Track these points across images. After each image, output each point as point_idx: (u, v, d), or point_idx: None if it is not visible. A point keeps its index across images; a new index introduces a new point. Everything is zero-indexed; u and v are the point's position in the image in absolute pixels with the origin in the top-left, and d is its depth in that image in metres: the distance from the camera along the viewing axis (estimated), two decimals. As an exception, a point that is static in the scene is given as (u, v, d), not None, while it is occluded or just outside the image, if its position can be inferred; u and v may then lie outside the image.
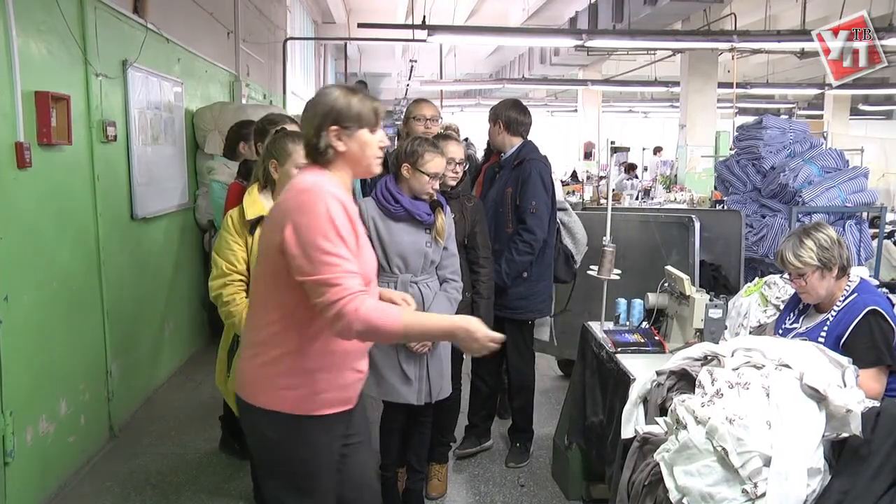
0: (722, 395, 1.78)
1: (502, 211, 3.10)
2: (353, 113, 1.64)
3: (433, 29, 6.47)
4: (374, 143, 1.68)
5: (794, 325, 2.32)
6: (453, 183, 2.84)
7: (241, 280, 2.30)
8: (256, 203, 2.31)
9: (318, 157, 1.65)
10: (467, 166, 3.15)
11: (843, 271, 2.21)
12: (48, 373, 2.87)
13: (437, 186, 2.54)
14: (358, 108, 1.64)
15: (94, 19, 3.24)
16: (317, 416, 1.64)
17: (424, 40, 6.86)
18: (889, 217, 6.05)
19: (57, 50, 2.94)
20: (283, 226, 1.54)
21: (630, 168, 11.12)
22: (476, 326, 1.60)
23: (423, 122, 3.20)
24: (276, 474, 1.68)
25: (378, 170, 1.72)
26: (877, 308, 2.11)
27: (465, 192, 2.97)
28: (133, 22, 3.70)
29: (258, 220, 2.27)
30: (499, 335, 1.61)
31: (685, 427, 1.78)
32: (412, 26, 7.14)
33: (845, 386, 1.86)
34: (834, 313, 2.20)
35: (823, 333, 2.18)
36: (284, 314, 1.61)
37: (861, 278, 2.26)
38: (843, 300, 2.20)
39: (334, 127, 1.63)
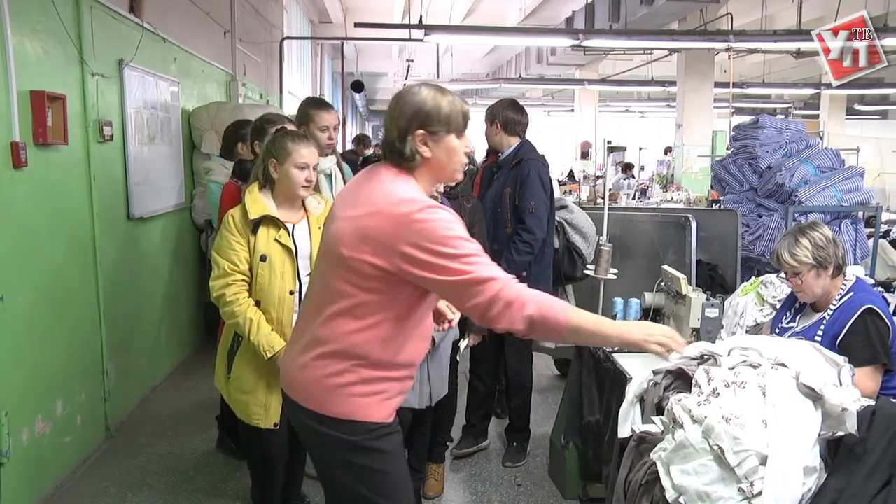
0: (718, 394, 1.79)
1: (501, 211, 3.10)
2: (443, 116, 1.53)
3: (430, 28, 6.47)
4: (460, 150, 1.58)
5: (791, 325, 2.33)
6: (452, 183, 2.84)
7: (243, 280, 2.28)
8: (258, 202, 2.30)
9: (403, 162, 1.54)
10: (467, 166, 3.15)
11: (839, 270, 2.22)
12: (44, 373, 2.86)
13: (441, 189, 2.56)
14: (448, 111, 1.54)
15: (90, 19, 3.23)
16: (388, 424, 1.59)
17: (421, 40, 6.85)
18: (885, 216, 6.08)
19: (53, 49, 2.93)
20: (396, 248, 1.45)
21: (626, 167, 11.13)
22: (657, 331, 1.57)
23: None
24: (355, 493, 1.58)
25: (460, 177, 1.65)
26: (873, 307, 2.12)
27: (464, 193, 2.97)
28: (129, 21, 3.69)
29: (260, 220, 2.27)
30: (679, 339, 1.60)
31: (681, 426, 1.79)
32: (409, 26, 7.13)
33: (841, 385, 1.86)
34: (830, 312, 2.21)
35: (820, 332, 2.18)
36: (368, 324, 1.52)
37: (857, 277, 2.27)
38: (840, 299, 2.21)
39: (421, 131, 1.53)
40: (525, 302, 1.45)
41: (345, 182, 2.92)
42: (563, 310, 1.50)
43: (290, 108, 7.90)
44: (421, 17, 6.83)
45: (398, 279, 1.50)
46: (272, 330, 2.26)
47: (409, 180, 1.55)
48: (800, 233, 2.22)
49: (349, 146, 11.41)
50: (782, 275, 2.94)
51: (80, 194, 3.22)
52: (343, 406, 1.54)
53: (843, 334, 2.12)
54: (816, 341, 2.15)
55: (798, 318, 2.34)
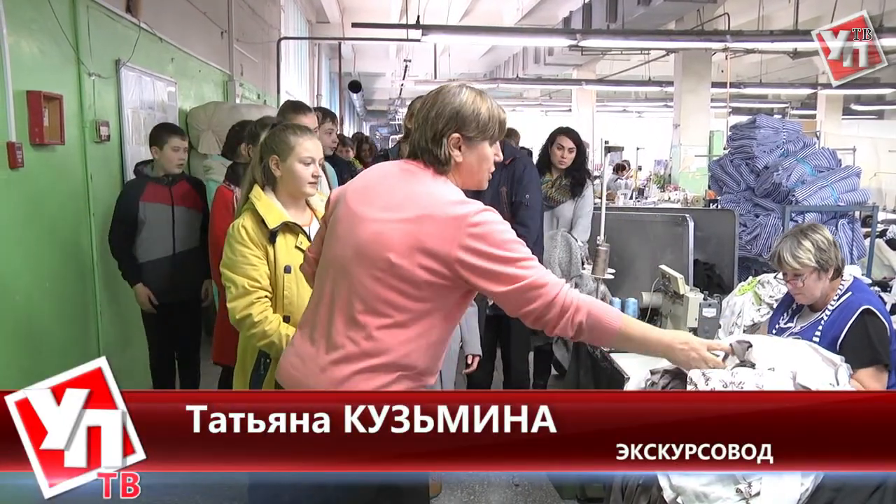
0: (716, 393, 1.79)
1: (499, 211, 3.09)
2: (481, 122, 1.49)
3: (427, 29, 6.48)
4: (491, 158, 1.55)
5: (789, 325, 2.33)
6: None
7: (266, 297, 2.03)
8: (273, 209, 2.07)
9: (434, 163, 1.50)
10: None
11: (838, 273, 2.22)
12: (40, 374, 2.83)
13: None
14: (486, 117, 1.50)
15: (87, 18, 3.22)
16: None
17: (419, 40, 6.87)
18: (881, 216, 6.09)
19: (49, 49, 2.93)
20: (450, 251, 1.42)
21: (619, 168, 11.14)
22: (696, 343, 1.58)
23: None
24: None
25: (486, 186, 1.62)
26: (870, 307, 2.13)
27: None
28: (126, 21, 3.68)
29: (277, 229, 2.05)
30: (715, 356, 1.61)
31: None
32: (406, 26, 7.14)
33: (838, 384, 1.87)
34: (828, 313, 2.21)
35: (818, 333, 2.18)
36: (419, 332, 1.49)
37: (854, 277, 2.27)
38: (837, 299, 2.21)
39: (456, 135, 1.48)
40: (578, 307, 1.46)
41: (330, 186, 2.87)
42: (615, 318, 1.50)
43: (288, 108, 7.90)
44: (418, 17, 6.84)
45: (452, 286, 1.47)
46: None
47: (448, 182, 1.51)
48: (802, 235, 2.22)
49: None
50: (780, 276, 2.95)
51: (77, 195, 3.21)
52: None
53: (843, 336, 2.12)
54: (815, 342, 2.15)
55: (796, 318, 2.34)
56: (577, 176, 3.38)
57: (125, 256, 3.17)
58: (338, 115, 10.08)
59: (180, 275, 3.23)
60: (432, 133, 1.49)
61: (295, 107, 2.84)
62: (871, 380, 2.07)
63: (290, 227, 2.08)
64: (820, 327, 2.20)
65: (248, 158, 3.15)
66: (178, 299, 3.25)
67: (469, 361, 2.71)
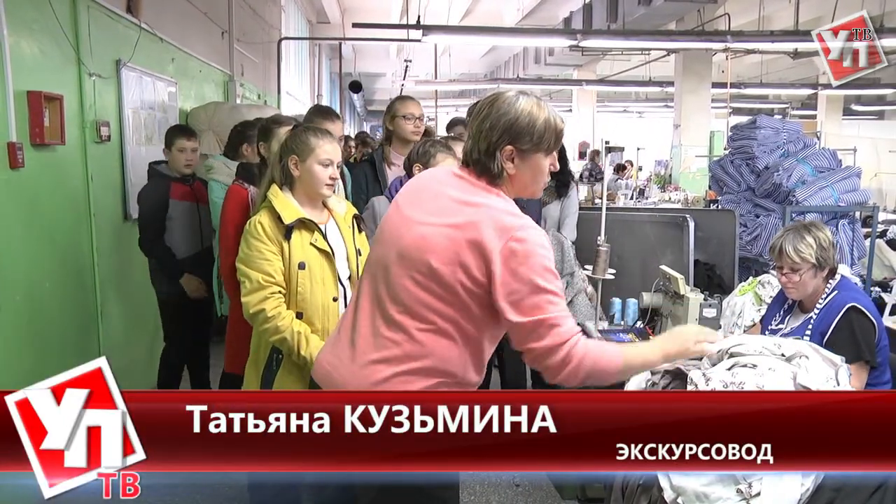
0: (716, 394, 1.79)
1: None
2: (536, 134, 1.44)
3: (428, 29, 6.49)
4: (546, 169, 1.50)
5: (780, 326, 2.34)
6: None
7: (280, 292, 2.07)
8: (289, 206, 2.11)
9: (489, 175, 1.47)
10: None
11: (832, 274, 2.25)
12: (40, 374, 2.84)
13: None
14: (542, 129, 1.45)
15: (87, 18, 3.22)
16: None
17: (419, 40, 6.87)
18: (881, 216, 6.09)
19: (49, 49, 2.93)
20: (489, 257, 1.40)
21: (619, 168, 11.15)
22: (686, 335, 1.58)
23: (412, 120, 3.17)
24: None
25: (540, 193, 1.59)
26: (857, 305, 2.15)
27: None
28: (127, 21, 3.69)
29: (293, 225, 2.08)
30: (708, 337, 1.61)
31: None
32: (407, 26, 7.14)
33: (839, 384, 1.87)
34: (816, 312, 2.23)
35: (808, 332, 2.20)
36: (466, 341, 1.47)
37: (842, 276, 2.29)
38: (825, 298, 2.23)
39: (510, 147, 1.45)
40: (581, 366, 1.42)
41: (345, 187, 2.89)
42: (613, 359, 1.46)
43: (288, 108, 7.90)
44: (419, 17, 6.84)
45: (487, 297, 1.44)
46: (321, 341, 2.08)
47: (500, 194, 1.48)
48: (805, 230, 2.23)
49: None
50: (773, 270, 2.95)
51: (78, 195, 3.21)
52: None
53: (829, 333, 2.14)
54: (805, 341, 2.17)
55: (787, 319, 2.35)
56: (562, 177, 3.39)
57: (165, 253, 3.22)
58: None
59: (204, 271, 3.29)
60: (487, 146, 1.45)
61: (322, 112, 2.81)
62: (852, 377, 2.08)
63: (306, 224, 2.11)
64: (809, 327, 2.22)
65: (249, 158, 3.17)
66: (202, 294, 3.31)
67: None
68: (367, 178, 2.84)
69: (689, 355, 1.61)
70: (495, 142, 1.44)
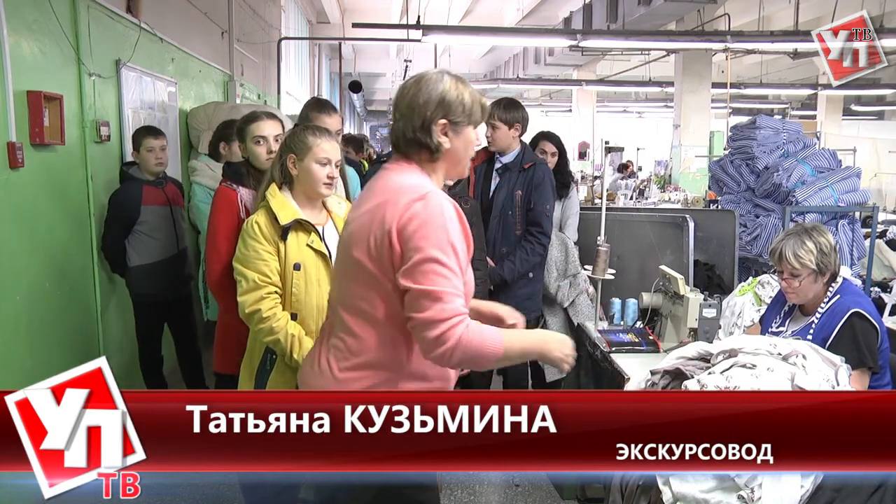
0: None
1: (511, 213, 3.10)
2: (466, 106, 1.47)
3: (428, 29, 6.48)
4: (474, 142, 1.54)
5: (780, 329, 2.32)
6: (450, 183, 2.82)
7: (276, 292, 2.07)
8: (287, 206, 2.09)
9: (423, 152, 1.48)
10: None
11: (833, 278, 2.22)
12: (40, 374, 2.83)
13: (447, 184, 2.52)
14: (470, 102, 1.48)
15: (87, 18, 3.22)
16: None
17: (419, 40, 6.87)
18: (881, 217, 6.09)
19: (49, 49, 2.93)
20: (386, 227, 1.41)
21: (623, 167, 11.16)
22: (560, 339, 1.51)
23: None
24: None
25: (467, 173, 1.60)
26: (860, 310, 2.13)
27: (461, 194, 2.96)
28: (126, 21, 3.68)
29: (289, 226, 2.07)
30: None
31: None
32: (407, 26, 7.14)
33: (838, 385, 1.87)
34: (818, 316, 2.21)
35: (809, 337, 2.18)
36: (389, 329, 1.46)
37: (843, 278, 2.27)
38: (827, 302, 2.21)
39: (443, 121, 1.46)
40: (456, 348, 1.37)
41: (346, 188, 2.87)
42: (494, 348, 1.41)
43: (288, 108, 7.90)
44: (419, 17, 6.84)
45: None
46: None
47: (422, 173, 1.49)
48: (806, 235, 2.20)
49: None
50: (774, 274, 2.94)
51: (78, 195, 3.21)
52: None
53: (832, 339, 2.12)
54: None
55: (787, 321, 2.33)
56: (562, 178, 3.40)
57: (119, 257, 3.27)
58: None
59: (181, 272, 3.41)
60: (420, 121, 1.46)
61: (319, 105, 2.76)
62: (854, 382, 2.07)
63: (303, 225, 2.10)
64: (811, 331, 2.19)
65: (226, 157, 3.17)
66: (178, 296, 3.40)
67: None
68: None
69: (550, 362, 1.55)
70: (429, 116, 1.45)
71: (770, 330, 2.36)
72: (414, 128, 1.47)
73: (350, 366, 1.50)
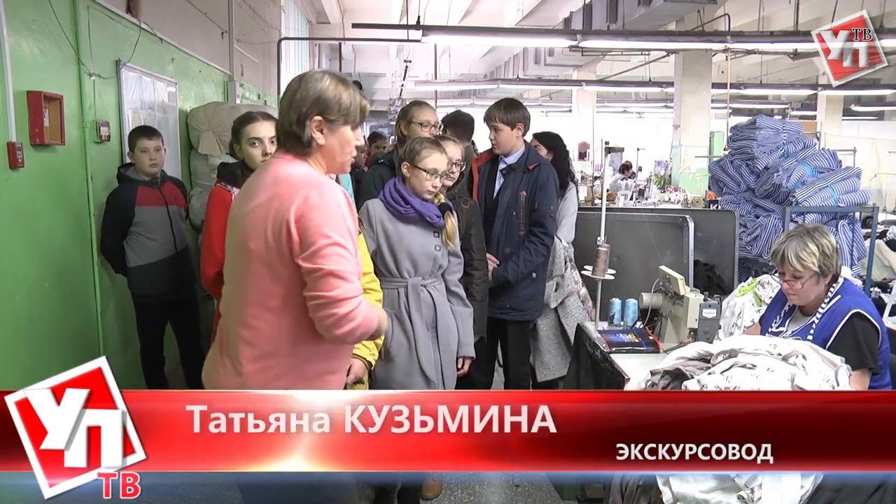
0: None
1: (516, 214, 3.10)
2: (343, 106, 1.57)
3: (428, 29, 6.48)
4: (352, 142, 1.62)
5: (781, 329, 2.32)
6: (450, 184, 2.81)
7: None
8: None
9: (298, 147, 1.57)
10: (465, 167, 3.13)
11: (835, 279, 2.22)
12: (40, 374, 2.82)
13: (437, 185, 2.50)
14: (347, 103, 1.58)
15: (87, 18, 3.22)
16: None
17: (419, 40, 6.86)
18: (881, 217, 6.09)
19: (49, 49, 2.93)
20: (283, 217, 1.47)
21: (625, 168, 11.16)
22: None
23: (427, 128, 3.13)
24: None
25: (348, 169, 1.69)
26: (860, 311, 2.12)
27: (460, 194, 2.95)
28: (126, 21, 3.68)
29: None
30: None
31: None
32: (407, 26, 7.14)
33: (838, 385, 1.87)
34: (819, 316, 2.20)
35: (810, 337, 2.18)
36: (287, 317, 1.53)
37: (844, 279, 2.26)
38: (828, 302, 2.20)
39: (318, 118, 1.55)
40: (362, 322, 1.48)
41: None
42: (373, 322, 1.54)
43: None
44: (419, 17, 6.83)
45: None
46: None
47: (305, 163, 1.57)
48: (808, 237, 2.18)
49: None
50: (776, 275, 2.94)
51: (78, 195, 3.21)
52: None
53: (832, 339, 2.12)
54: None
55: (787, 322, 2.33)
56: (560, 179, 3.39)
57: (119, 258, 3.29)
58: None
59: (183, 271, 3.41)
60: (297, 116, 1.55)
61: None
62: (854, 383, 2.07)
63: None
64: (812, 331, 2.19)
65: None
66: (179, 296, 3.40)
67: (460, 365, 2.65)
68: (383, 180, 2.83)
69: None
70: (305, 111, 1.54)
71: (770, 330, 2.36)
72: (291, 122, 1.56)
73: (252, 357, 1.56)
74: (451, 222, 2.54)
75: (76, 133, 3.17)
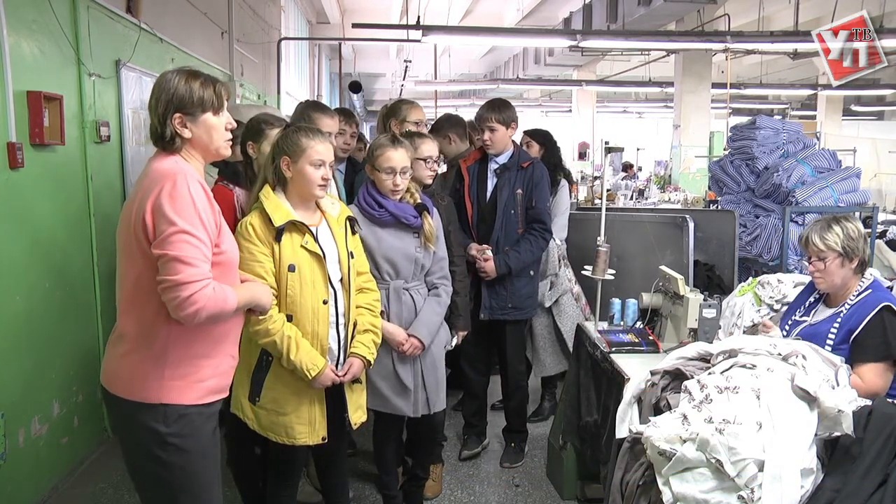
0: (711, 400, 1.78)
1: (514, 213, 3.10)
2: (196, 98, 1.64)
3: (428, 29, 6.47)
4: (220, 126, 1.69)
5: (804, 318, 2.33)
6: (429, 181, 2.77)
7: (271, 294, 2.03)
8: (280, 207, 2.09)
9: (166, 145, 1.66)
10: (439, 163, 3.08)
11: (862, 266, 2.24)
12: (41, 374, 2.85)
13: (399, 182, 2.44)
14: (200, 93, 1.65)
15: (87, 18, 3.22)
16: (203, 406, 1.66)
17: (419, 40, 6.85)
18: (881, 217, 6.09)
19: (49, 49, 2.93)
20: (142, 208, 1.56)
21: (627, 167, 11.16)
22: (264, 288, 1.88)
23: (420, 127, 3.13)
24: (163, 479, 1.66)
25: (228, 152, 1.74)
26: (891, 304, 2.14)
27: (435, 192, 2.88)
28: (126, 21, 3.68)
29: (283, 227, 2.06)
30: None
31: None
32: (407, 26, 7.13)
33: (838, 385, 1.87)
34: (847, 307, 2.22)
35: (835, 327, 2.19)
36: (152, 303, 1.60)
37: (874, 277, 2.29)
38: (857, 295, 2.22)
39: (178, 115, 1.64)
40: (203, 308, 1.55)
41: (338, 189, 2.85)
42: (230, 303, 1.64)
43: (288, 108, 7.90)
44: (419, 17, 6.83)
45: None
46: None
47: (176, 158, 1.66)
48: (833, 220, 2.25)
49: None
50: (783, 276, 2.95)
51: (78, 195, 3.21)
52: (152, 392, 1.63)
53: (859, 330, 2.13)
54: (831, 335, 2.17)
55: (812, 312, 2.33)
56: (550, 175, 3.39)
57: None
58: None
59: None
60: (157, 118, 1.65)
61: (317, 107, 2.75)
62: (875, 375, 2.08)
63: (297, 226, 2.10)
64: (837, 321, 2.20)
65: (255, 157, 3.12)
66: None
67: (406, 345, 2.48)
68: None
69: (262, 308, 1.84)
70: (163, 113, 1.64)
71: (793, 318, 2.36)
72: (154, 124, 1.67)
73: (123, 351, 1.67)
74: (429, 222, 2.50)
75: (76, 133, 3.17)
